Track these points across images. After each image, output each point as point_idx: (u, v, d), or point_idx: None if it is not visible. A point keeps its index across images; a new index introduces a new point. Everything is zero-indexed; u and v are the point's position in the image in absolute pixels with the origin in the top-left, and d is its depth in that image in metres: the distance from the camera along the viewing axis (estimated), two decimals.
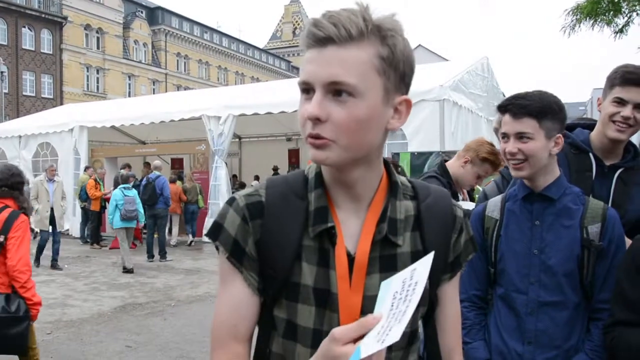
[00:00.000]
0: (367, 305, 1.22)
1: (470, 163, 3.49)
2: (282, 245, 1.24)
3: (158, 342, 6.39)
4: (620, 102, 2.32)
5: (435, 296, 1.35)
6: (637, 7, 16.32)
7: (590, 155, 2.42)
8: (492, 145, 3.58)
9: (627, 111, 2.31)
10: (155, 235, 12.63)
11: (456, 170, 3.53)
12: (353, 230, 1.26)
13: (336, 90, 1.12)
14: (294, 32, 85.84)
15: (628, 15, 16.87)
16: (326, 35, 1.11)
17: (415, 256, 1.28)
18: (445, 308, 1.39)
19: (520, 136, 2.07)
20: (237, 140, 17.51)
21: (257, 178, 16.80)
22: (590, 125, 2.53)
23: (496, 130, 3.14)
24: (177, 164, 17.89)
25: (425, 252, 1.28)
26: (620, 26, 17.21)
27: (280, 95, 11.92)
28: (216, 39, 63.76)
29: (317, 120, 1.12)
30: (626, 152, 2.44)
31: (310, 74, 1.14)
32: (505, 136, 2.13)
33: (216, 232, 1.26)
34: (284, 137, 16.83)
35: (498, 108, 2.17)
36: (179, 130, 16.68)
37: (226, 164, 14.25)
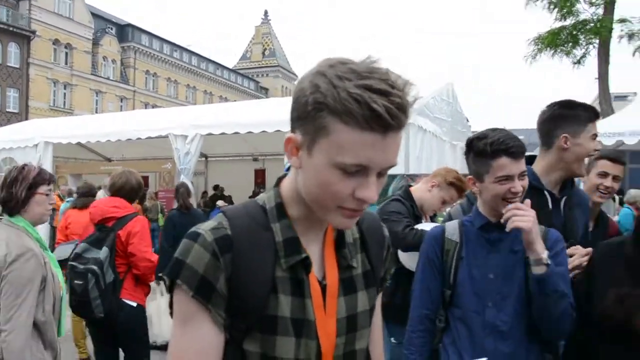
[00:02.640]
0: (340, 328, 1.29)
1: (437, 187, 3.62)
2: (257, 279, 1.22)
3: None
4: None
5: None
6: (593, 40, 17.03)
7: (545, 192, 2.59)
8: (458, 173, 3.74)
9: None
10: None
11: (422, 194, 3.64)
12: (315, 257, 1.30)
13: (385, 170, 1.16)
14: (263, 53, 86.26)
15: (585, 47, 17.60)
16: (397, 125, 1.10)
17: (366, 276, 1.38)
18: (373, 320, 1.45)
19: (522, 175, 2.20)
20: (203, 159, 17.51)
21: (216, 188, 16.93)
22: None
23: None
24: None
25: (373, 271, 1.40)
26: (578, 57, 17.94)
27: (248, 116, 12.00)
28: (185, 57, 63.60)
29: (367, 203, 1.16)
30: (565, 181, 2.63)
31: (372, 161, 1.12)
32: (507, 178, 2.18)
33: (177, 269, 1.20)
34: (250, 157, 16.90)
35: (492, 152, 2.17)
36: (145, 148, 16.59)
37: (192, 183, 14.25)
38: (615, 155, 3.16)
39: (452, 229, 2.38)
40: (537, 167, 2.64)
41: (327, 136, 1.12)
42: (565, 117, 2.56)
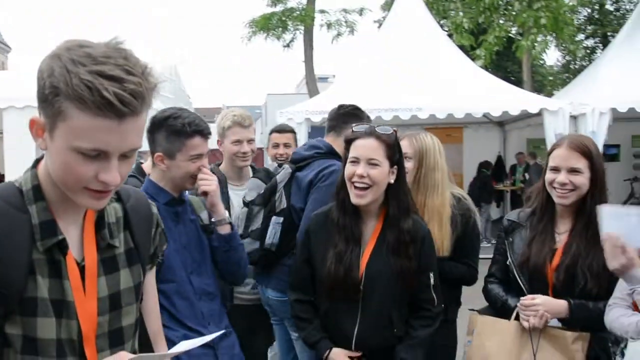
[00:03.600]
0: (101, 307, 1.32)
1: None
2: (13, 262, 1.20)
3: None
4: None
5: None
6: (300, 27, 18.99)
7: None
8: None
9: None
10: None
11: (149, 169, 3.70)
12: (74, 238, 1.30)
13: (128, 153, 1.21)
14: None
15: (293, 32, 19.56)
16: (129, 110, 1.14)
17: (129, 254, 1.41)
18: (147, 295, 1.53)
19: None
20: None
21: None
22: None
23: None
24: None
25: (137, 249, 1.43)
26: (287, 41, 19.84)
27: None
28: None
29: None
30: None
31: (108, 145, 1.16)
32: (199, 156, 2.41)
33: None
34: None
35: (190, 132, 2.35)
36: None
37: None
38: (282, 127, 4.40)
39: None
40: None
41: (64, 121, 1.14)
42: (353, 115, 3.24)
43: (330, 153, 3.17)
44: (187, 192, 2.62)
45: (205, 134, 2.41)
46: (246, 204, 3.23)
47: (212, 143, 2.81)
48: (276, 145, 4.21)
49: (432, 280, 2.43)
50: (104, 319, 1.32)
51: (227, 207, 3.04)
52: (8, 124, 9.05)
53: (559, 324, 2.43)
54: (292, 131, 4.42)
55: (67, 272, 1.27)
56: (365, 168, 2.30)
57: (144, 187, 2.50)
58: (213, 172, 2.95)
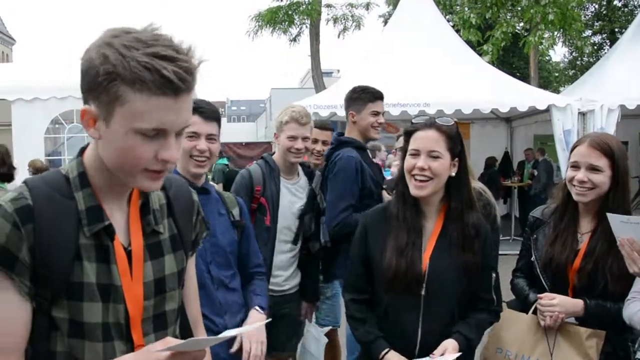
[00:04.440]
0: (147, 291, 1.34)
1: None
2: (60, 247, 1.24)
3: None
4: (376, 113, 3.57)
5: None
6: (306, 21, 18.93)
7: (369, 150, 3.69)
8: None
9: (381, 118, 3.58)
10: None
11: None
12: (120, 223, 1.33)
13: (182, 130, 1.26)
14: None
15: (299, 27, 19.49)
16: (186, 88, 1.21)
17: (174, 240, 1.44)
18: (188, 282, 1.55)
19: (210, 137, 2.46)
20: None
21: None
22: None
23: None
24: None
25: (180, 236, 1.46)
26: (294, 35, 19.79)
27: None
28: None
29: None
30: None
31: (167, 123, 1.22)
32: (195, 135, 2.40)
33: None
34: None
35: None
36: None
37: None
38: (323, 123, 4.40)
39: None
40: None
41: (122, 105, 1.17)
42: (355, 99, 3.57)
43: (341, 143, 3.58)
44: (214, 184, 2.71)
45: (205, 114, 2.40)
46: (300, 215, 3.36)
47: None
48: (315, 141, 4.19)
49: (493, 280, 2.37)
50: (149, 303, 1.35)
51: (277, 196, 3.25)
52: (17, 116, 9.07)
53: (576, 322, 2.45)
54: (332, 129, 4.41)
55: (115, 256, 1.29)
56: (426, 160, 2.22)
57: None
58: (266, 161, 3.24)
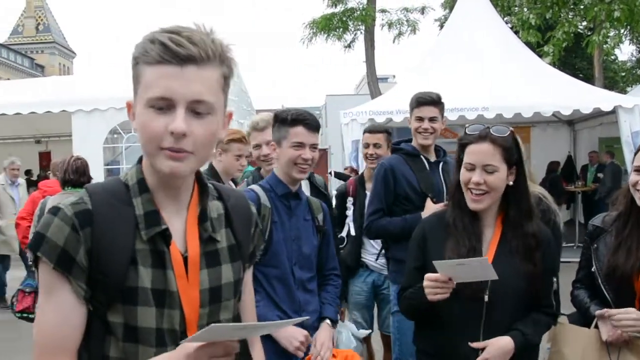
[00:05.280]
0: (203, 299, 1.34)
1: (223, 153, 3.88)
2: (116, 252, 1.25)
3: None
4: (420, 119, 3.40)
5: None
6: (360, 27, 18.91)
7: (422, 157, 3.46)
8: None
9: (425, 124, 3.39)
10: None
11: (217, 165, 3.92)
12: (178, 229, 1.34)
13: (197, 107, 1.22)
14: (37, 28, 78.48)
15: (354, 33, 19.49)
16: (188, 55, 1.19)
17: (231, 250, 1.43)
18: (245, 295, 1.53)
19: (313, 146, 2.61)
20: None
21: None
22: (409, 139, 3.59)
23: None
24: None
25: (238, 246, 1.45)
26: (348, 42, 19.79)
27: (29, 95, 11.37)
28: None
29: (182, 135, 1.20)
30: (438, 152, 3.54)
31: (171, 91, 1.20)
32: (300, 145, 2.56)
33: (38, 242, 1.23)
34: (32, 139, 15.83)
35: (291, 121, 2.55)
36: None
37: None
38: (373, 127, 4.42)
39: (262, 195, 2.59)
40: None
41: (139, 82, 1.24)
42: (409, 105, 3.50)
43: (393, 151, 3.69)
44: (304, 189, 2.85)
45: (308, 124, 2.57)
46: None
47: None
48: (367, 145, 4.24)
49: (554, 286, 2.32)
50: (204, 311, 1.34)
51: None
52: (77, 126, 9.41)
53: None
54: (385, 131, 4.36)
55: (172, 262, 1.29)
56: (482, 175, 2.16)
57: (267, 177, 2.73)
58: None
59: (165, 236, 1.30)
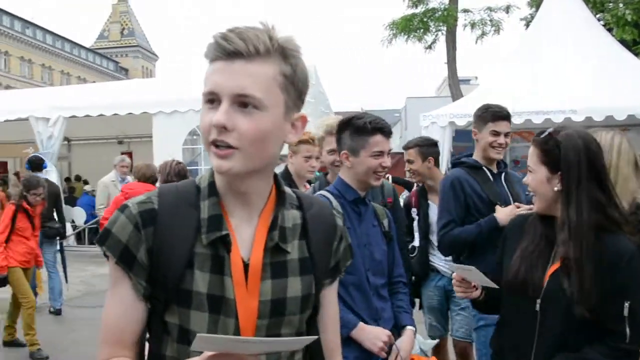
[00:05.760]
0: (262, 310, 1.28)
1: (294, 155, 3.93)
2: (174, 253, 1.26)
3: None
4: (496, 133, 3.40)
5: (318, 300, 1.40)
6: (442, 27, 18.47)
7: (484, 169, 3.49)
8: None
9: (501, 139, 3.41)
10: None
11: (290, 168, 3.97)
12: (245, 237, 1.30)
13: (243, 102, 1.19)
14: (122, 32, 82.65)
15: (435, 33, 19.06)
16: (235, 50, 1.18)
17: (303, 263, 1.35)
18: (326, 310, 1.45)
19: (389, 152, 2.64)
20: (65, 142, 16.73)
21: (78, 179, 16.46)
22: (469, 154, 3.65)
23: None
24: (0, 168, 16.88)
25: (311, 259, 1.37)
26: (429, 43, 19.38)
27: (112, 97, 11.84)
28: (39, 35, 59.43)
29: (223, 129, 1.18)
30: (499, 164, 3.56)
31: (217, 84, 1.20)
32: (380, 153, 2.56)
33: (104, 237, 1.27)
34: (115, 139, 16.50)
35: (371, 130, 2.53)
36: (2, 132, 15.70)
37: (55, 167, 13.79)
38: (407, 143, 4.34)
39: (334, 201, 2.54)
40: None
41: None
42: (478, 117, 3.54)
43: (454, 165, 3.72)
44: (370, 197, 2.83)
45: (386, 132, 2.58)
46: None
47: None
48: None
49: (626, 311, 2.00)
50: (262, 322, 1.28)
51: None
52: (157, 127, 9.66)
53: None
54: (417, 145, 4.42)
55: (230, 268, 1.26)
56: (528, 175, 2.21)
57: (334, 183, 2.73)
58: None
59: (226, 242, 1.27)
